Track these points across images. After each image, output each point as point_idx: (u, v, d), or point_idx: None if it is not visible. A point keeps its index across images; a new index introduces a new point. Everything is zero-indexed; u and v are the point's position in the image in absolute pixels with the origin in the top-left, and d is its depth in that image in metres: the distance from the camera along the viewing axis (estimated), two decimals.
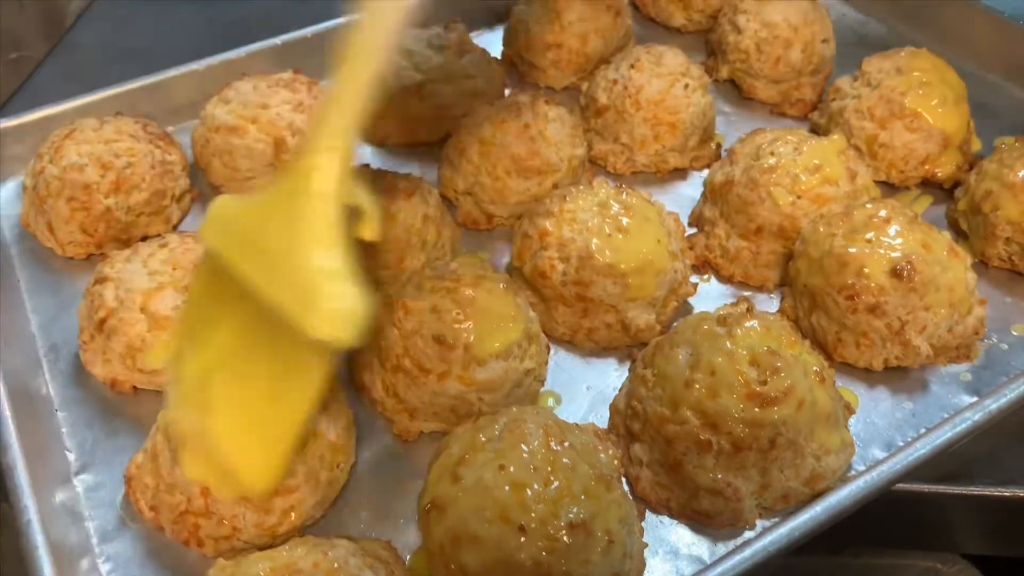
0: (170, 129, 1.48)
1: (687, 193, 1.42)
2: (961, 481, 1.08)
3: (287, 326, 0.80)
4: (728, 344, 1.00)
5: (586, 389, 1.15)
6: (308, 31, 1.57)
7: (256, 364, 0.87)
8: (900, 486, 1.02)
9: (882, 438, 1.08)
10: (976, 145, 1.45)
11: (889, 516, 1.12)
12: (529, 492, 0.87)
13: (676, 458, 0.99)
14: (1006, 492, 1.07)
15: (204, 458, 0.91)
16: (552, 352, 1.18)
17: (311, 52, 1.57)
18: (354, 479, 1.05)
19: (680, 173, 1.45)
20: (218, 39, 1.88)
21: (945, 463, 1.05)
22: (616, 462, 0.99)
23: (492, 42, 1.65)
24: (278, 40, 1.55)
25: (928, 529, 1.18)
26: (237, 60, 1.52)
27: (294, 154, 0.87)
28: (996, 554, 1.26)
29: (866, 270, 1.10)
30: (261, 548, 0.94)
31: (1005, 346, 1.18)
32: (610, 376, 1.16)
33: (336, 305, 0.80)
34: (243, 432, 0.88)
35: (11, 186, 1.41)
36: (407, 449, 1.09)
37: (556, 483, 0.89)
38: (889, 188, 1.40)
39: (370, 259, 1.18)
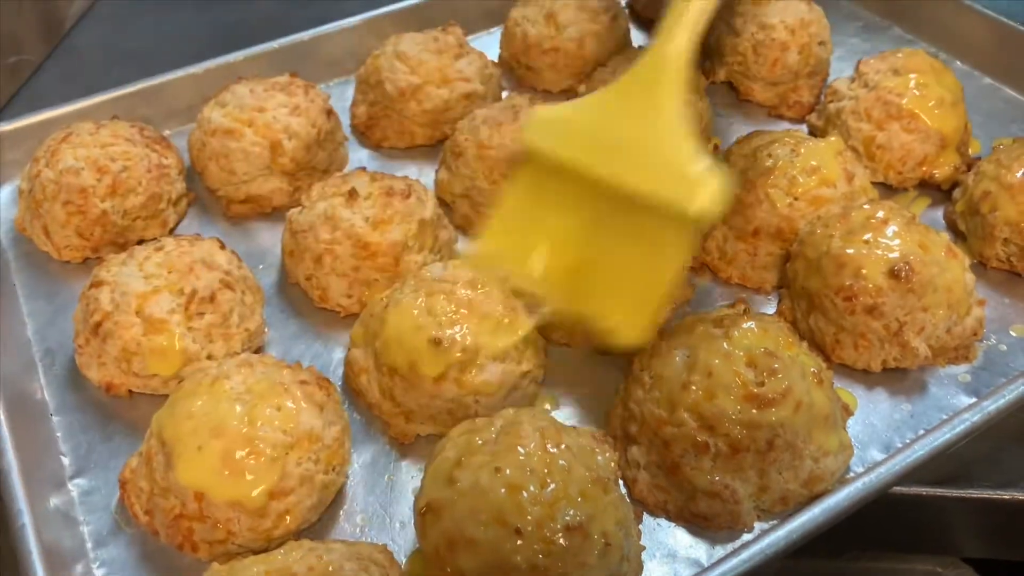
0: (167, 132, 1.48)
1: None
2: (960, 484, 1.08)
3: (646, 208, 0.89)
4: (725, 345, 1.00)
5: (583, 391, 1.15)
6: (305, 35, 1.58)
7: (616, 246, 0.94)
8: (899, 489, 1.02)
9: (881, 439, 1.07)
10: (975, 147, 1.45)
11: (888, 519, 1.11)
12: (525, 495, 0.87)
13: (674, 460, 0.98)
14: (1005, 495, 1.06)
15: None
16: (549, 355, 1.17)
17: (308, 55, 1.58)
18: (350, 482, 1.05)
19: None
20: (218, 41, 1.88)
21: (944, 465, 1.04)
22: (613, 464, 0.98)
23: (489, 45, 1.65)
24: (275, 44, 1.55)
25: (927, 532, 1.18)
26: (234, 63, 1.52)
27: (638, 61, 0.94)
28: (996, 557, 1.25)
29: (864, 271, 1.10)
30: (256, 552, 0.94)
31: (1004, 347, 1.17)
32: (607, 378, 1.16)
33: (709, 185, 0.89)
34: (617, 302, 0.95)
35: (8, 190, 1.41)
36: (404, 452, 1.08)
37: (552, 486, 0.88)
38: (887, 189, 1.39)
39: (366, 261, 1.19)
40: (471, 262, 1.03)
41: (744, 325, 1.02)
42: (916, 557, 1.34)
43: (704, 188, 0.89)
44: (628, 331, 0.95)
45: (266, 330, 1.19)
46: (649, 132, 0.91)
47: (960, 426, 1.01)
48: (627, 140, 0.92)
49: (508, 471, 0.89)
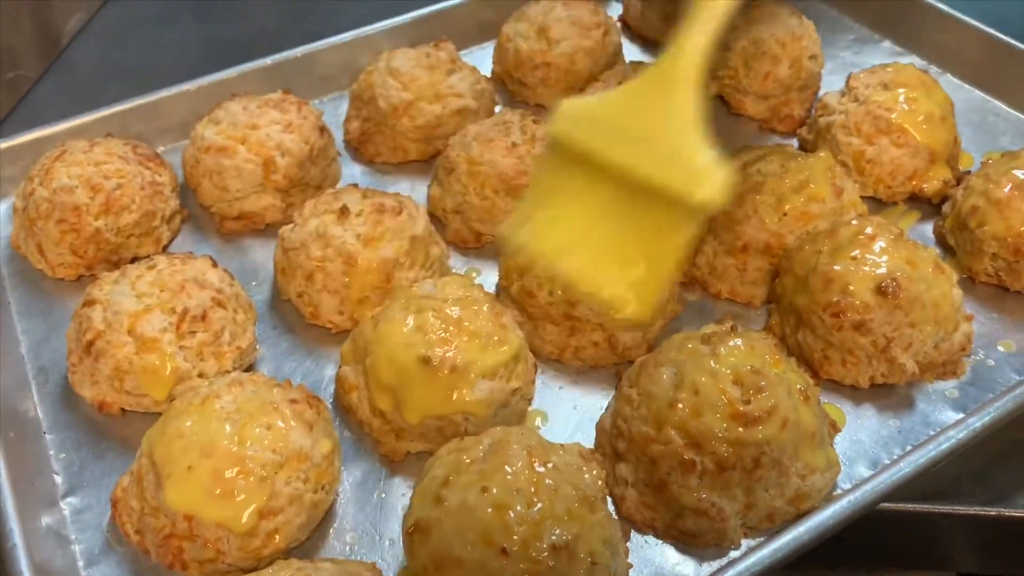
0: (162, 149, 1.49)
1: None
2: (949, 499, 1.08)
3: (656, 195, 0.97)
4: (712, 363, 1.00)
5: (573, 408, 1.15)
6: (299, 51, 1.58)
7: (629, 228, 1.01)
8: (887, 505, 1.02)
9: (868, 456, 1.08)
10: (966, 160, 1.46)
11: (881, 534, 1.11)
12: (512, 514, 0.87)
13: (661, 478, 0.99)
14: (992, 511, 1.06)
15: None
16: (540, 371, 1.18)
17: (301, 71, 1.58)
18: (340, 501, 1.06)
19: None
20: (214, 55, 1.90)
21: (932, 481, 1.05)
22: (601, 482, 0.99)
23: (482, 60, 1.66)
24: (268, 60, 1.56)
25: (921, 547, 1.18)
26: (228, 80, 1.53)
27: (658, 59, 1.02)
28: (991, 573, 1.25)
29: (851, 287, 1.11)
30: (246, 571, 0.94)
31: (992, 362, 1.18)
32: (597, 395, 1.17)
33: (714, 176, 0.96)
34: (625, 279, 1.01)
35: (3, 208, 1.42)
36: (394, 469, 1.09)
37: (539, 505, 0.89)
38: (877, 204, 1.40)
39: (358, 278, 1.19)
40: (513, 243, 1.09)
41: (731, 342, 1.03)
42: (912, 572, 1.33)
43: (709, 179, 0.96)
44: (633, 307, 1.01)
45: (258, 348, 1.19)
46: (662, 125, 0.99)
47: (946, 443, 1.01)
48: (642, 132, 1.00)
49: (495, 490, 0.89)
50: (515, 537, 0.86)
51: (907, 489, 1.00)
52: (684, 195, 0.96)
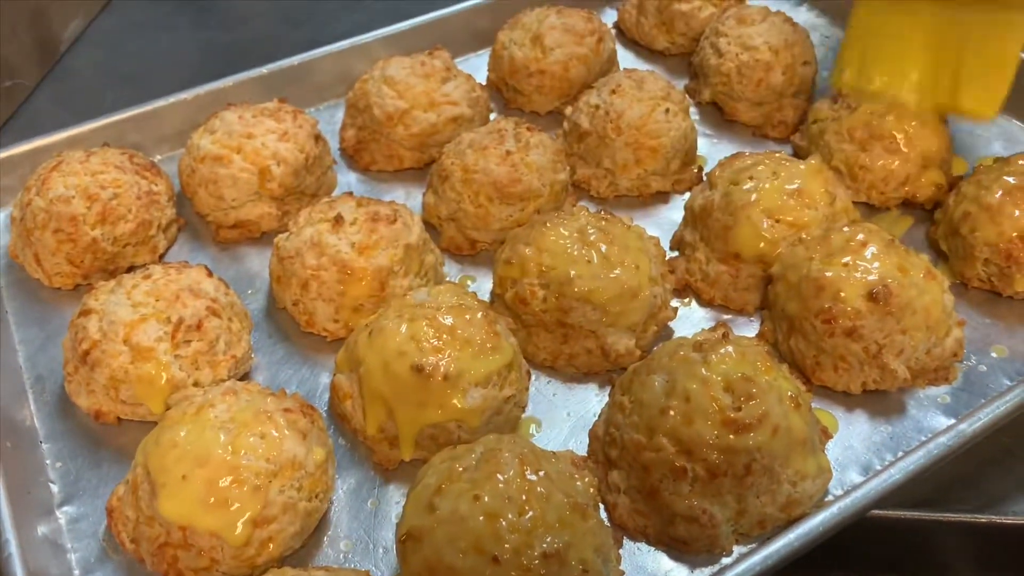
0: (158, 158, 1.50)
1: (669, 216, 1.43)
2: (940, 506, 1.08)
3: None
4: (703, 371, 1.01)
5: (567, 415, 1.16)
6: (295, 59, 1.59)
7: (968, 36, 1.18)
8: (878, 512, 1.03)
9: (860, 461, 1.08)
10: (960, 165, 1.46)
11: (874, 540, 1.12)
12: (503, 522, 0.88)
13: (652, 485, 0.99)
14: (983, 518, 1.07)
15: None
16: (533, 378, 1.18)
17: (297, 79, 1.59)
18: (334, 508, 1.06)
19: (662, 196, 1.46)
20: (211, 62, 1.91)
21: (923, 487, 1.05)
22: (592, 490, 0.99)
23: (477, 67, 1.67)
24: (264, 69, 1.57)
25: (914, 554, 1.18)
26: (223, 89, 1.54)
27: None
28: None
29: (842, 294, 1.11)
30: None
31: (984, 368, 1.18)
32: (591, 402, 1.17)
33: None
34: (973, 82, 1.20)
35: (0, 217, 1.43)
36: (388, 477, 1.10)
37: (530, 513, 0.89)
38: (870, 209, 1.40)
39: (353, 287, 1.20)
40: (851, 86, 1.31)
41: (722, 350, 1.03)
42: None
43: None
44: (983, 105, 1.19)
45: (253, 356, 1.20)
46: None
47: (937, 449, 1.02)
48: None
49: (487, 498, 0.90)
50: (507, 545, 0.87)
51: (898, 495, 1.00)
52: None
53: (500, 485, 0.91)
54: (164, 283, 1.15)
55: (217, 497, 0.94)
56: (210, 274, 1.20)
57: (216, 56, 1.95)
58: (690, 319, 1.27)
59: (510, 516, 0.89)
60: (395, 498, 1.07)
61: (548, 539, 0.88)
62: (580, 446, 1.12)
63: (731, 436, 0.97)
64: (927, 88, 1.22)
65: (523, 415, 1.15)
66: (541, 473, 0.94)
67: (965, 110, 1.23)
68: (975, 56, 1.17)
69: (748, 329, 1.25)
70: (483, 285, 1.33)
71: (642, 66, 1.72)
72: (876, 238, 1.16)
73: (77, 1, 2.03)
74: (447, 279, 1.34)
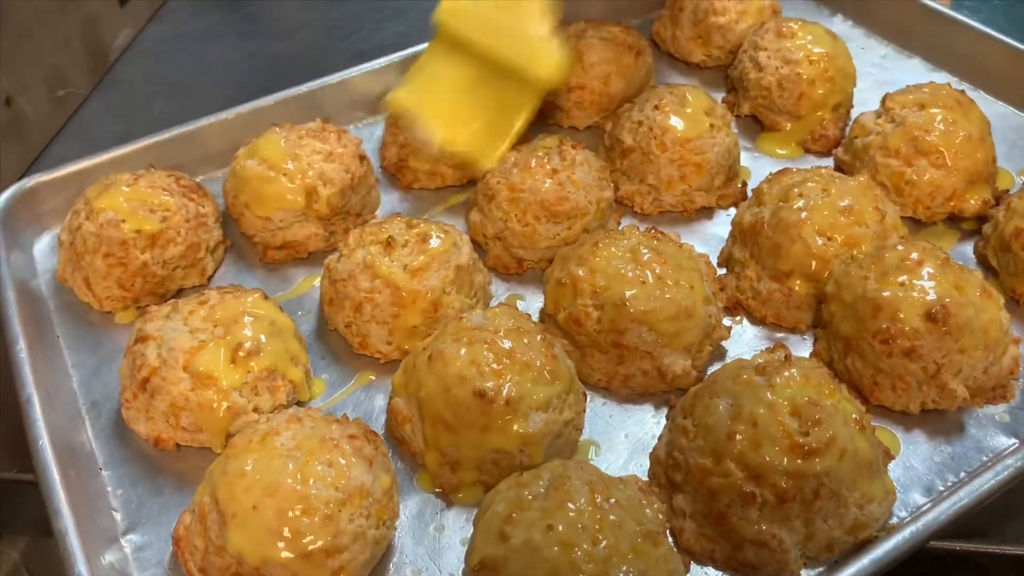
0: (200, 178, 1.50)
1: (714, 231, 1.43)
2: (994, 538, 1.07)
3: (509, 74, 1.40)
4: (769, 395, 1.01)
5: (624, 437, 1.16)
6: (335, 77, 1.59)
7: (483, 96, 1.43)
8: (933, 544, 1.02)
9: (922, 482, 1.08)
10: (1005, 178, 1.46)
11: (928, 571, 1.11)
12: (579, 552, 0.88)
13: (720, 510, 0.99)
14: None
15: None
16: (588, 400, 1.18)
17: (338, 97, 1.59)
18: (398, 534, 1.06)
19: (707, 212, 1.46)
20: (258, 73, 1.92)
21: (976, 518, 1.04)
22: (661, 516, 0.99)
23: None
24: (303, 88, 1.57)
25: None
26: (264, 108, 1.54)
27: None
28: None
29: (900, 315, 1.11)
30: None
31: None
32: (648, 423, 1.17)
33: (554, 57, 1.39)
34: (482, 137, 1.42)
35: (46, 240, 1.43)
36: (450, 501, 1.10)
37: (604, 542, 0.90)
38: (916, 224, 1.40)
39: (407, 309, 1.20)
40: (394, 104, 1.46)
41: (786, 373, 1.03)
42: None
43: (549, 59, 1.38)
44: (485, 158, 1.39)
45: (311, 381, 1.20)
46: (518, 15, 1.40)
47: (1004, 471, 1.01)
48: (503, 21, 1.40)
49: (560, 528, 0.90)
50: (583, 575, 0.87)
51: (963, 519, 1.00)
52: (526, 71, 1.37)
53: (572, 514, 0.91)
54: (221, 308, 1.15)
55: (289, 527, 0.94)
56: (266, 297, 1.20)
57: (263, 66, 1.96)
58: (742, 337, 1.27)
59: (585, 546, 0.89)
60: (458, 523, 1.07)
61: (623, 568, 0.88)
62: (639, 468, 1.12)
63: (799, 461, 0.97)
64: (454, 127, 1.42)
65: (581, 438, 1.15)
66: (612, 501, 0.94)
67: (472, 154, 1.41)
68: (495, 113, 1.41)
69: (801, 348, 1.25)
70: (532, 304, 1.33)
71: (677, 79, 1.73)
72: (931, 256, 1.16)
73: (126, 11, 2.04)
74: (494, 298, 1.34)
